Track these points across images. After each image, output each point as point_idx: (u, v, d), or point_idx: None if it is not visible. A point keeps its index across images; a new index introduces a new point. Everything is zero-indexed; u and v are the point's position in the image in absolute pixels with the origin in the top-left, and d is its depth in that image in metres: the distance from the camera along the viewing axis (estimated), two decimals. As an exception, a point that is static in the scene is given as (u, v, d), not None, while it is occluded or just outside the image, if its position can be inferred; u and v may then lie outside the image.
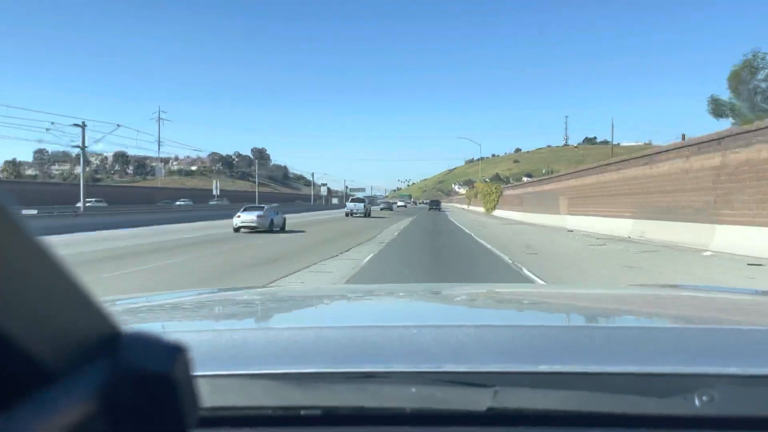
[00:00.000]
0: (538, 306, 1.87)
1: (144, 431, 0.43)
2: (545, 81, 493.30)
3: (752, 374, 0.84)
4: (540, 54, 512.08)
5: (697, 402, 0.77)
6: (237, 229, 24.56)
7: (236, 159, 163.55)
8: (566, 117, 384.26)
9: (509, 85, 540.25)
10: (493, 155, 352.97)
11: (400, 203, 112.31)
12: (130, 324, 1.27)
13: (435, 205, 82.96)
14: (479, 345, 1.00)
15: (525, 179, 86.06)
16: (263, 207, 27.29)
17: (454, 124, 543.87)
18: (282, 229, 26.08)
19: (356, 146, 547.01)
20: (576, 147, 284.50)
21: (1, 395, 0.37)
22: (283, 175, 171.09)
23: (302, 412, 0.80)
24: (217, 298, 2.11)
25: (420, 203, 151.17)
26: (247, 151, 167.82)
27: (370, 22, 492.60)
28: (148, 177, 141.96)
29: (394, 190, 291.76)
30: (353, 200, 47.51)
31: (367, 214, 42.52)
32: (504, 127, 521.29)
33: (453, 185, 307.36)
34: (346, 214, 42.75)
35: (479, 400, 0.78)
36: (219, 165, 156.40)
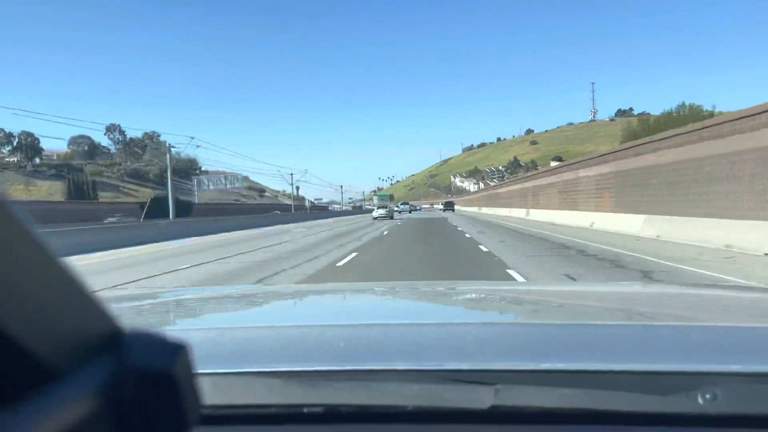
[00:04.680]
0: (540, 304, 1.82)
1: (146, 429, 0.43)
2: (557, 50, 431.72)
3: (756, 372, 0.83)
4: (549, 20, 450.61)
5: (700, 400, 0.76)
6: (375, 219, 47.63)
7: (68, 150, 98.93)
8: (593, 84, 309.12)
9: (512, 57, 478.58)
10: (499, 139, 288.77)
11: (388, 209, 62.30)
12: (133, 322, 1.28)
13: (449, 206, 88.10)
14: (481, 342, 0.99)
15: (553, 164, 59.43)
16: (387, 206, 60.28)
17: (447, 108, 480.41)
18: (392, 218, 50.85)
19: (334, 144, 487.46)
20: (612, 121, 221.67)
21: (4, 392, 0.37)
22: (165, 171, 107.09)
23: (305, 410, 0.80)
24: (220, 296, 2.14)
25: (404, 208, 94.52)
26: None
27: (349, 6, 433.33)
28: None
29: (374, 191, 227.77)
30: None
31: None
32: (510, 106, 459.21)
33: (452, 178, 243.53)
34: None
35: (482, 398, 0.78)
36: (21, 158, 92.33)
